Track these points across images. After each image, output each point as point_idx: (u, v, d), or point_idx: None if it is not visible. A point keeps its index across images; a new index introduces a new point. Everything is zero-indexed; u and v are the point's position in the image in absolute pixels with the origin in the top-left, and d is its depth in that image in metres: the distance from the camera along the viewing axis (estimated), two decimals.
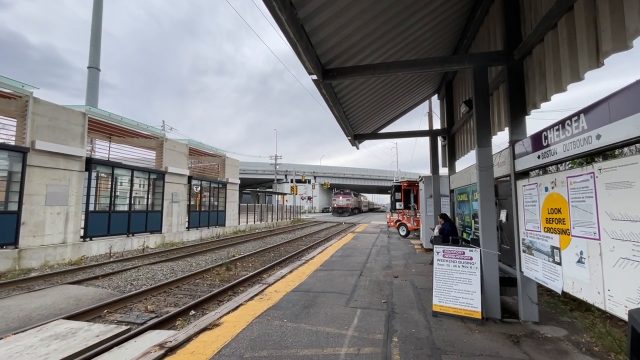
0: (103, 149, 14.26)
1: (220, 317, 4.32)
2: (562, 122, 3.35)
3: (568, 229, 3.30)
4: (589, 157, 3.74)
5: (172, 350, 3.39)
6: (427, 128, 13.65)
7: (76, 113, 11.10)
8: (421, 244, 11.68)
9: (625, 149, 5.04)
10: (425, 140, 10.91)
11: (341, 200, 48.28)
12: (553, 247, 3.57)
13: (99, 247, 11.46)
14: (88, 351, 3.92)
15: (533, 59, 4.45)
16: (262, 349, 3.42)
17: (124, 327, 4.69)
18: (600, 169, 2.81)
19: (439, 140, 10.41)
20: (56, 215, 10.27)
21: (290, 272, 7.20)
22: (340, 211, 48.15)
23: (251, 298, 5.21)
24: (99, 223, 11.83)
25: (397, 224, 16.15)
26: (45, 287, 7.07)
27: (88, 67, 49.58)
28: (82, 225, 11.29)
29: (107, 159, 13.41)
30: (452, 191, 9.13)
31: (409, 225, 15.27)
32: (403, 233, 15.42)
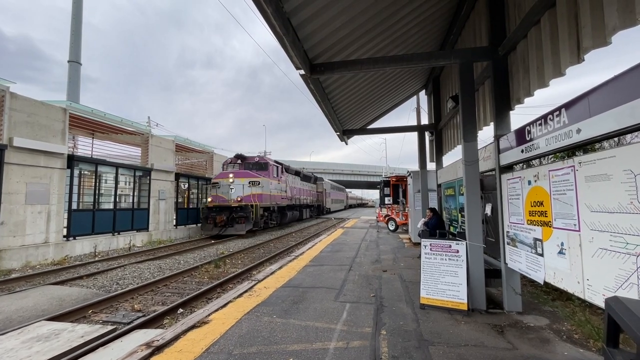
0: (86, 146, 13.87)
1: (209, 315, 4.29)
2: (545, 117, 3.42)
3: (550, 221, 3.39)
4: (570, 151, 3.84)
5: (159, 349, 3.34)
6: (415, 123, 13.78)
7: (56, 109, 10.74)
8: (410, 238, 11.83)
9: (605, 143, 5.20)
10: (414, 135, 11.01)
11: (230, 186, 16.22)
12: (535, 239, 3.67)
13: (83, 246, 11.19)
14: (72, 352, 3.83)
15: (517, 55, 4.52)
16: (251, 345, 3.41)
17: (109, 327, 4.61)
18: (580, 163, 2.88)
19: (427, 135, 10.52)
20: (37, 215, 9.96)
21: (280, 268, 7.19)
22: (220, 220, 15.26)
23: (240, 295, 5.18)
24: (82, 222, 11.53)
25: (386, 218, 16.32)
26: (26, 289, 6.86)
27: (69, 61, 47.99)
28: (65, 225, 10.98)
29: (90, 156, 13.04)
30: (439, 185, 9.27)
31: (397, 219, 15.43)
32: (392, 228, 15.58)
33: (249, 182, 16.46)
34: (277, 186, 19.44)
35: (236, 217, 15.30)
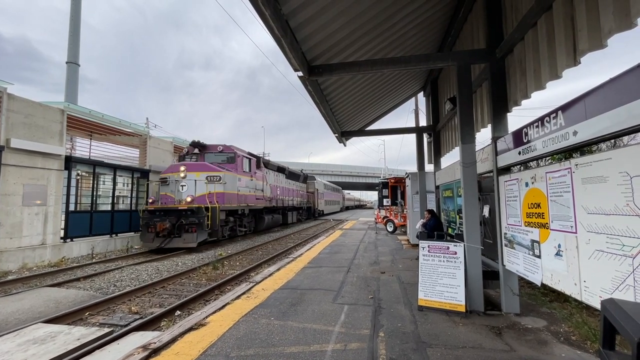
0: (84, 147, 13.84)
1: (207, 317, 4.27)
2: (542, 119, 3.43)
3: (547, 223, 3.40)
4: (566, 153, 3.86)
5: (156, 351, 3.33)
6: (413, 125, 13.82)
7: (54, 110, 10.72)
8: (408, 240, 11.83)
9: (603, 145, 5.23)
10: (412, 137, 11.01)
11: (181, 182, 12.59)
12: (533, 241, 3.68)
13: (80, 248, 11.14)
14: (68, 355, 3.81)
15: (514, 57, 4.54)
16: (249, 348, 3.40)
17: (106, 330, 4.58)
18: (577, 165, 2.90)
19: (425, 137, 10.54)
20: (34, 216, 9.92)
21: (278, 269, 7.17)
22: (161, 229, 11.29)
23: (238, 297, 5.16)
24: (80, 223, 11.48)
25: (385, 220, 16.31)
26: (23, 291, 6.82)
27: (67, 62, 47.95)
28: (63, 226, 10.93)
29: (88, 157, 13.00)
30: (437, 187, 9.28)
31: (396, 221, 15.43)
32: (390, 229, 15.58)
33: (207, 178, 12.62)
34: (249, 183, 15.61)
35: (185, 224, 11.61)
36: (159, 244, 11.51)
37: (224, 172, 13.18)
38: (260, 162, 17.71)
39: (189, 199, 12.09)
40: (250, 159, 16.15)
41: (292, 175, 25.01)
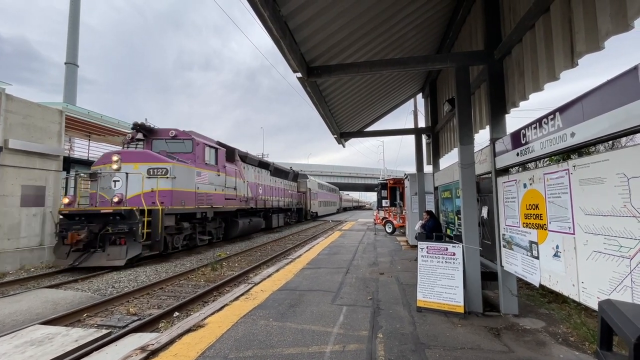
0: (82, 148, 13.82)
1: (205, 318, 4.26)
2: (539, 121, 3.45)
3: (545, 224, 3.41)
4: (564, 155, 3.87)
5: (154, 353, 3.32)
6: (412, 126, 13.84)
7: (52, 111, 10.70)
8: (407, 241, 11.84)
9: (601, 146, 5.25)
10: (411, 138, 11.03)
11: (114, 176, 9.65)
12: (531, 242, 3.68)
13: None
14: (66, 357, 3.79)
15: (512, 59, 4.56)
16: (247, 349, 3.39)
17: (104, 331, 4.56)
18: (574, 166, 2.90)
19: (424, 138, 10.57)
20: (32, 217, 9.88)
21: (277, 271, 7.17)
22: (74, 240, 8.32)
23: (236, 298, 5.16)
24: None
25: (384, 221, 16.32)
26: (20, 292, 6.79)
27: (65, 63, 47.87)
28: None
29: (86, 158, 12.98)
30: (436, 188, 9.29)
31: (395, 222, 15.44)
32: (389, 230, 15.58)
33: (149, 171, 9.82)
34: (214, 179, 12.46)
35: (111, 234, 8.84)
36: (72, 262, 8.57)
37: (173, 163, 10.20)
38: (235, 155, 14.61)
39: (116, 199, 9.16)
40: (216, 149, 12.86)
41: (278, 172, 21.83)
